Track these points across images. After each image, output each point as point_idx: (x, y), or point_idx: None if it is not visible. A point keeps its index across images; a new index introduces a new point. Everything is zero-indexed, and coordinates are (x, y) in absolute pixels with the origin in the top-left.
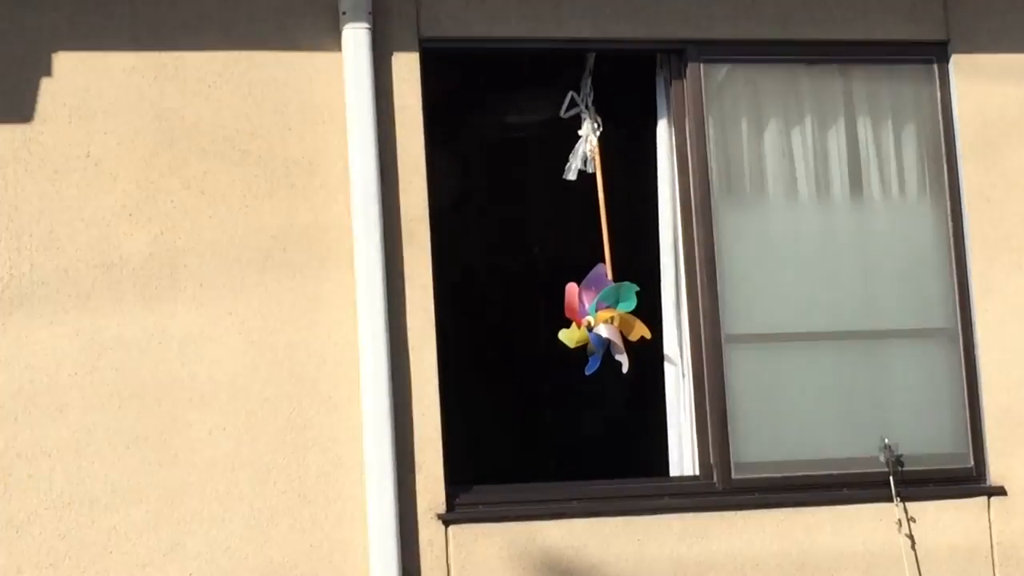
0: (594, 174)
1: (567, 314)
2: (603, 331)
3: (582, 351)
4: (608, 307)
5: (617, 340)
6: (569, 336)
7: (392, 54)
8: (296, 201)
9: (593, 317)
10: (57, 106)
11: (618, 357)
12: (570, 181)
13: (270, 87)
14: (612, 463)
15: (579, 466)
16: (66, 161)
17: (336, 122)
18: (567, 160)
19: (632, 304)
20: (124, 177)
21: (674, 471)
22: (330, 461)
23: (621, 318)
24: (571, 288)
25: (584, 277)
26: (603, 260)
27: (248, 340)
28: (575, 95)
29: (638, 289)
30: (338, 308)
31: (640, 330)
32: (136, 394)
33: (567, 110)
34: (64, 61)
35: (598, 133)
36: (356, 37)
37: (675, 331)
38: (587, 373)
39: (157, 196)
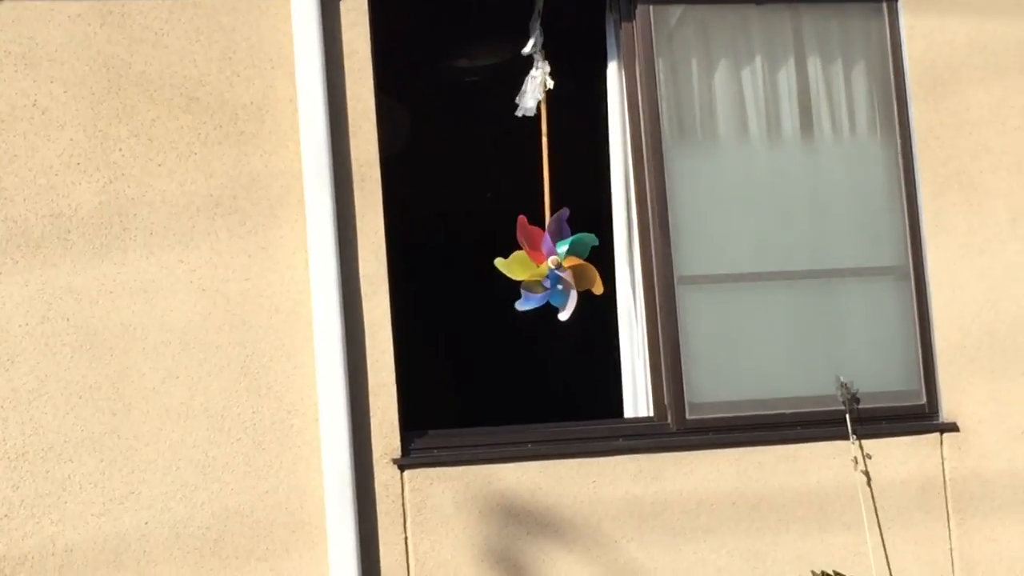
0: (539, 119)
1: (528, 248)
2: (565, 276)
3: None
4: (574, 256)
5: (574, 286)
6: (518, 267)
7: None
8: (246, 148)
9: (562, 258)
10: (2, 55)
11: (566, 307)
12: (522, 124)
13: (217, 33)
14: (569, 405)
15: (536, 409)
16: (12, 110)
17: (285, 68)
18: (518, 100)
19: (586, 253)
20: (71, 126)
21: (629, 413)
22: (284, 408)
23: (587, 268)
24: (523, 222)
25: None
26: (542, 203)
27: (199, 288)
28: (536, 34)
29: (596, 243)
30: (290, 255)
31: (596, 284)
32: (88, 344)
33: (531, 49)
34: (9, 10)
35: (549, 76)
36: None
37: (627, 274)
38: (518, 308)
39: (105, 145)
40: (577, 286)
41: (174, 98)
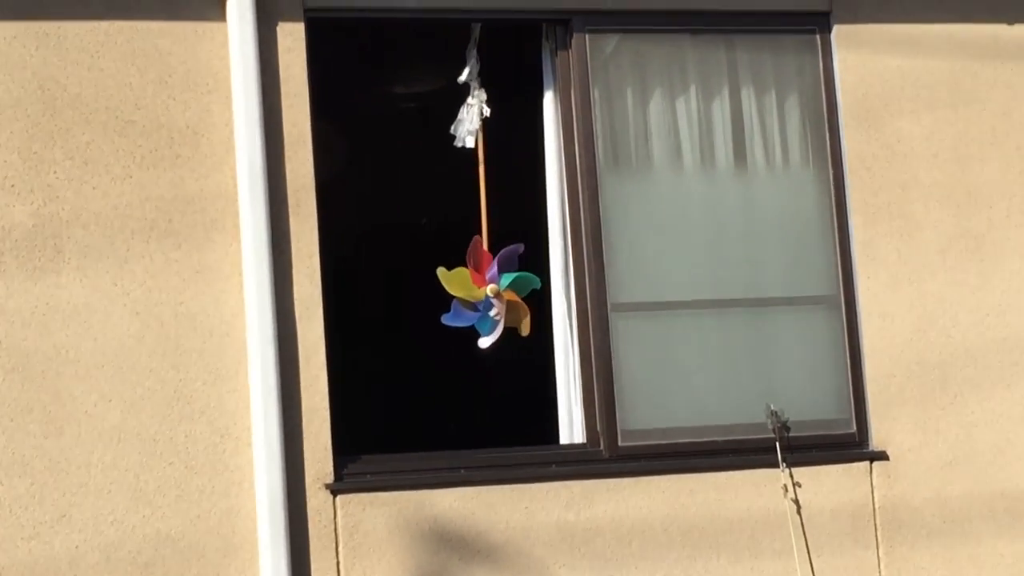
0: (476, 146)
1: (473, 269)
2: (498, 306)
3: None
4: (513, 291)
5: (502, 321)
6: (457, 283)
7: (277, 24)
8: (181, 171)
9: (501, 288)
10: None
11: (490, 336)
12: (458, 151)
13: (154, 56)
14: (507, 432)
15: (474, 435)
16: None
17: (221, 92)
18: (454, 130)
19: (526, 292)
20: (6, 147)
21: (564, 439)
22: (217, 432)
23: (521, 307)
24: (478, 242)
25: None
26: (480, 231)
27: (133, 311)
28: (472, 62)
29: (538, 287)
30: (224, 278)
31: (525, 324)
32: (20, 366)
33: (468, 77)
34: None
35: (485, 104)
36: (240, 6)
37: (563, 301)
38: (443, 321)
39: (40, 167)
40: (507, 320)
41: (110, 121)
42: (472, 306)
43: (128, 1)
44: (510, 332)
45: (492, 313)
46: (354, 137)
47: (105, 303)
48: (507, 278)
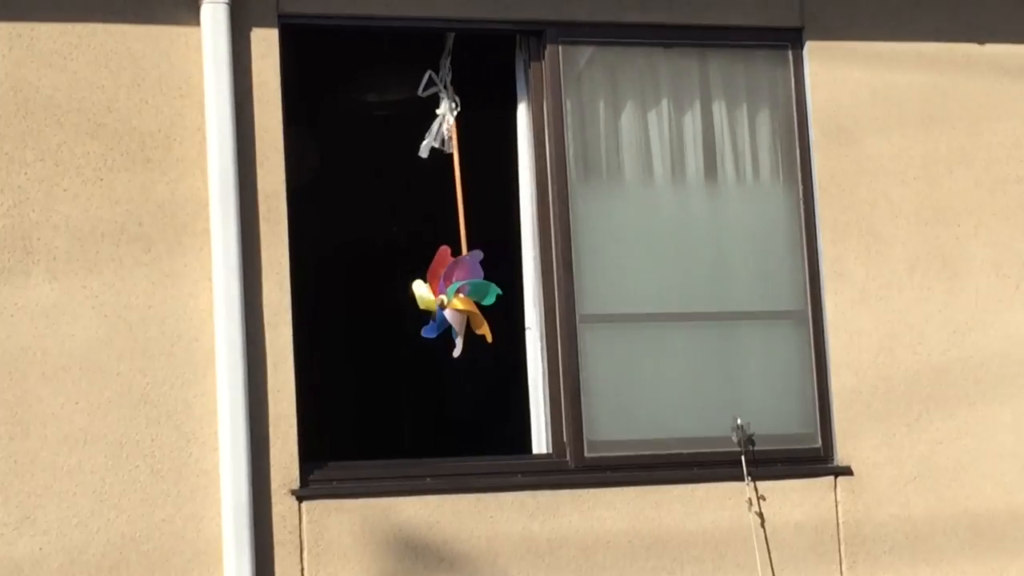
0: (451, 154)
1: (428, 276)
2: (449, 316)
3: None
4: (468, 298)
5: (459, 327)
6: (420, 296)
7: (251, 30)
8: (152, 175)
9: (448, 299)
10: None
11: (456, 340)
12: (431, 161)
13: (127, 60)
14: (479, 441)
15: (446, 444)
16: None
17: (194, 97)
18: (442, 151)
19: (490, 302)
20: None
21: (536, 449)
22: (184, 436)
23: (473, 314)
24: (444, 253)
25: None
26: (459, 239)
27: (102, 314)
28: (433, 74)
29: (500, 293)
30: (194, 283)
31: (484, 330)
32: None
33: (425, 89)
34: None
35: (455, 113)
36: (215, 12)
37: (535, 311)
38: (423, 335)
39: (11, 168)
40: (473, 326)
41: (81, 123)
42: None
43: (101, 3)
44: (480, 340)
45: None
46: (327, 144)
47: (73, 305)
48: (453, 287)
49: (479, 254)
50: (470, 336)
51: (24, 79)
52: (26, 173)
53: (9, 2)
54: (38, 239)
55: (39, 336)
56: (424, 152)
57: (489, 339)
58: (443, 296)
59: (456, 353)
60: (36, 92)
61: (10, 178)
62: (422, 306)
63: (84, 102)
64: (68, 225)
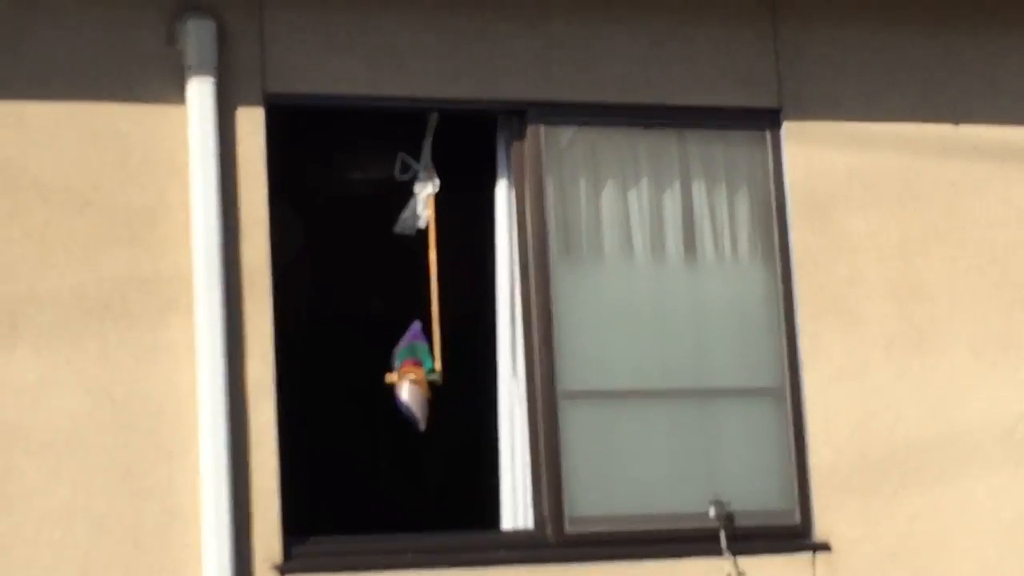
0: (427, 232)
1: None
2: (402, 392)
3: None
4: (412, 362)
5: (411, 400)
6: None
7: (237, 108)
8: (137, 252)
9: (397, 373)
10: None
11: (417, 414)
12: (413, 238)
13: (113, 138)
14: (452, 514)
15: (421, 518)
16: None
17: (179, 174)
18: (406, 232)
19: (428, 364)
20: None
21: (507, 524)
22: (167, 510)
23: (418, 376)
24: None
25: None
26: (431, 317)
27: (86, 389)
28: (405, 156)
29: (428, 350)
30: (178, 358)
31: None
32: None
33: (401, 172)
34: None
35: (433, 191)
36: (201, 90)
37: (509, 388)
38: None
39: None
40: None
41: (68, 201)
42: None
43: (89, 82)
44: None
45: (403, 399)
46: (311, 221)
47: (58, 381)
48: (399, 358)
49: (416, 324)
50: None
51: (11, 157)
52: (12, 250)
53: None
54: (23, 315)
55: (23, 411)
56: (400, 228)
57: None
58: (390, 375)
59: (421, 427)
60: (23, 170)
61: None
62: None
63: (71, 180)
64: (54, 301)
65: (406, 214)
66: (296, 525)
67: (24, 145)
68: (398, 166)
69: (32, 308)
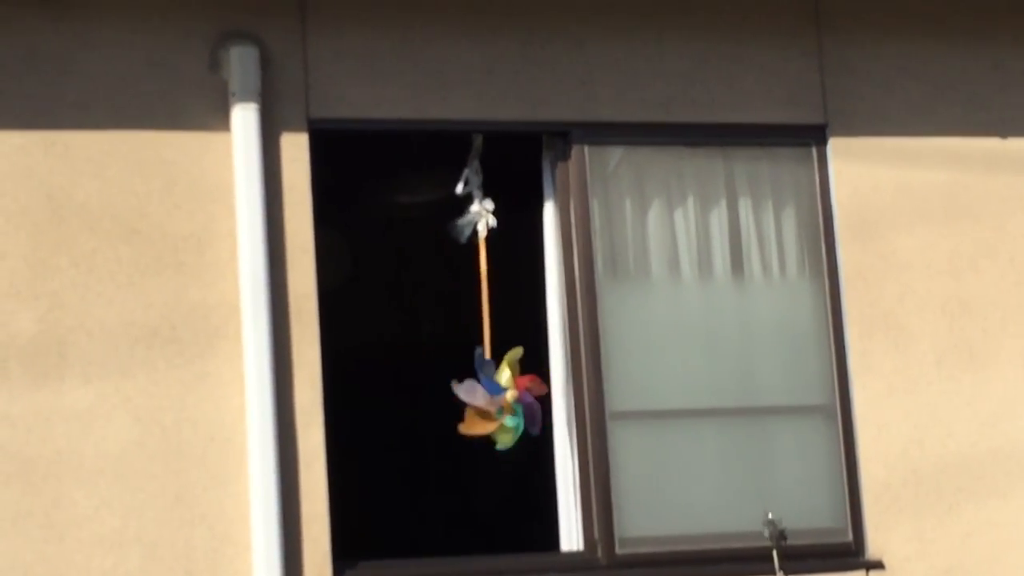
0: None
1: (474, 409)
2: (525, 397)
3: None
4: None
5: (534, 405)
6: (478, 424)
7: (281, 134)
8: (184, 279)
9: (509, 385)
10: None
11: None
12: (459, 261)
13: (159, 166)
14: (507, 538)
15: (474, 541)
16: None
17: (225, 201)
18: (457, 239)
19: (504, 438)
20: (12, 255)
21: (565, 546)
22: (217, 537)
23: (485, 426)
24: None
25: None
26: (481, 340)
27: (135, 417)
28: (470, 172)
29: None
30: (226, 385)
31: (469, 426)
32: (22, 471)
33: (464, 187)
34: None
35: (490, 212)
36: (245, 117)
37: (563, 408)
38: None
39: (45, 274)
40: (472, 410)
41: (115, 229)
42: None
43: (134, 111)
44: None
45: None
46: (358, 245)
47: (107, 409)
48: (500, 374)
49: (479, 350)
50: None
51: (58, 186)
52: (60, 279)
53: (43, 111)
54: (72, 344)
55: (74, 440)
56: (460, 236)
57: (462, 430)
58: (499, 397)
59: (535, 430)
60: (70, 199)
61: (44, 284)
62: (484, 431)
63: (117, 208)
64: (102, 330)
65: (462, 221)
66: (346, 550)
67: (70, 174)
68: (463, 180)
69: (81, 337)
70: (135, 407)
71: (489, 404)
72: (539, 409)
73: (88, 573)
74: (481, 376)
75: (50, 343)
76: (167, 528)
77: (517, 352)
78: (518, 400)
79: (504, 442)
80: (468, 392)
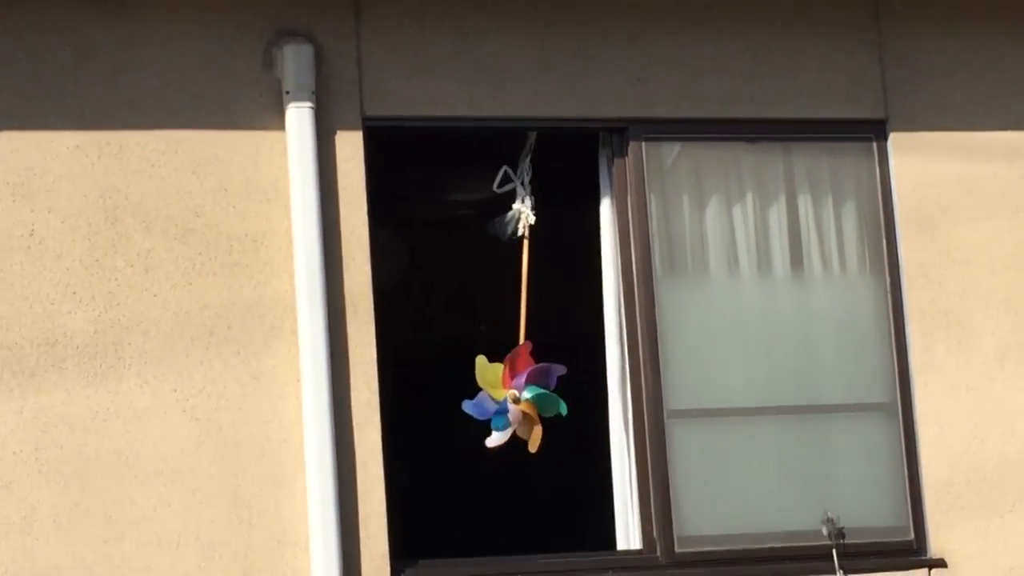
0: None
1: (508, 370)
2: (513, 413)
3: None
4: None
5: (516, 424)
6: (488, 376)
7: (335, 132)
8: (240, 278)
9: (521, 399)
10: (1, 185)
11: (499, 437)
12: (512, 259)
13: (214, 165)
14: (562, 536)
15: (529, 540)
16: (9, 240)
17: (280, 200)
18: (500, 236)
19: (550, 413)
20: (68, 255)
21: (621, 545)
22: (275, 537)
23: (533, 420)
24: (527, 349)
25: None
26: (517, 333)
27: (192, 417)
28: (509, 170)
29: (565, 414)
30: (282, 384)
31: (533, 440)
32: (81, 471)
33: (500, 185)
34: (7, 140)
35: (531, 208)
36: (300, 116)
37: (619, 406)
38: (463, 407)
39: (101, 274)
40: (519, 431)
41: (170, 229)
42: (493, 400)
43: (189, 111)
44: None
45: (508, 416)
46: (413, 243)
47: (165, 409)
48: (532, 391)
49: (562, 369)
50: (550, 432)
51: (113, 187)
52: (116, 279)
53: (97, 112)
54: (129, 344)
55: (131, 440)
56: (494, 231)
57: (533, 451)
58: (514, 392)
59: (491, 444)
60: (125, 199)
61: (101, 284)
62: (483, 384)
63: (172, 208)
64: (158, 330)
65: (505, 219)
66: (405, 549)
67: (125, 174)
68: (499, 178)
69: (137, 337)
70: (192, 407)
71: (508, 382)
72: (542, 366)
73: (147, 573)
74: (539, 375)
75: (107, 343)
76: (225, 528)
77: (481, 364)
78: (509, 407)
79: (556, 409)
80: (477, 406)
